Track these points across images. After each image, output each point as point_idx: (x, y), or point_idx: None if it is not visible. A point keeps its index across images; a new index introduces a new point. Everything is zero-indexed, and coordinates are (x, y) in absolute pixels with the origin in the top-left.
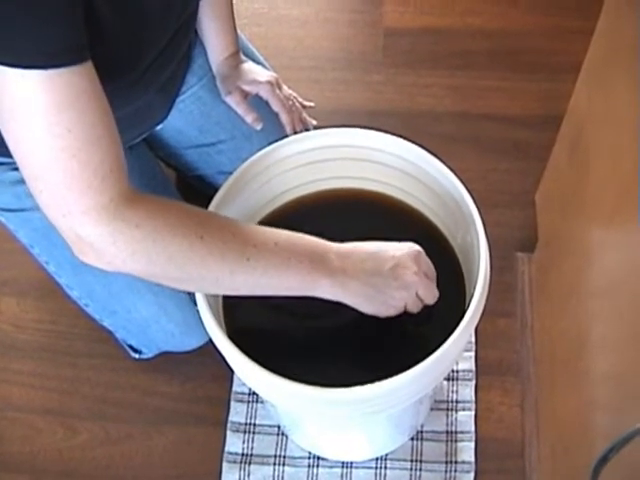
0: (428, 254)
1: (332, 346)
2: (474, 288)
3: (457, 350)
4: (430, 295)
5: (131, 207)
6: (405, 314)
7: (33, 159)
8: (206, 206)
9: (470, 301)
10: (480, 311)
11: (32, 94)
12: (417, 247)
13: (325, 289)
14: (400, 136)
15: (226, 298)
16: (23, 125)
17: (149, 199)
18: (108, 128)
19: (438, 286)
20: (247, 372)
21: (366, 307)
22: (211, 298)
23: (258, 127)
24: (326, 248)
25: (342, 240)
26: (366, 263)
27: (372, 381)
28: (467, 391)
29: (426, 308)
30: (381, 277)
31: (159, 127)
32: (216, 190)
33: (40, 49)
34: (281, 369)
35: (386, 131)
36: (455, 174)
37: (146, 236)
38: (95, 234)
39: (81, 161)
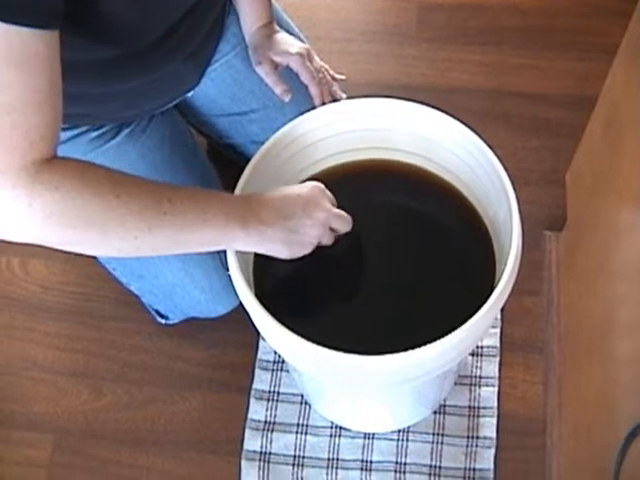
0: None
1: (361, 315)
2: (505, 264)
3: (484, 325)
4: (344, 224)
5: (50, 170)
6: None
7: None
8: (238, 176)
9: (500, 276)
10: (510, 287)
11: None
12: (316, 183)
13: (243, 240)
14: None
15: (257, 263)
16: None
17: (67, 162)
18: (52, 98)
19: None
20: (275, 335)
21: (283, 252)
22: (242, 262)
23: (287, 99)
24: (239, 199)
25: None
26: (280, 209)
27: (398, 352)
28: (491, 367)
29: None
30: (295, 218)
31: (190, 94)
32: (247, 160)
33: (7, 2)
34: (309, 335)
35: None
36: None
37: (65, 197)
38: (11, 196)
39: (14, 121)
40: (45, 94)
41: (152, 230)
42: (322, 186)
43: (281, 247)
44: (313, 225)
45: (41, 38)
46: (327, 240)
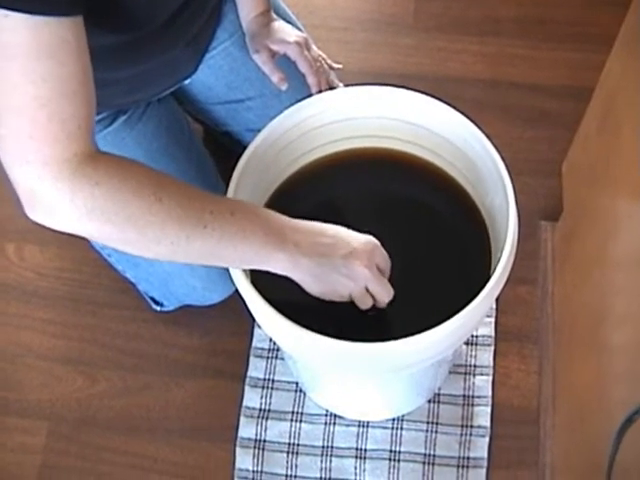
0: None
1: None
2: (500, 252)
3: (480, 314)
4: (382, 293)
5: (93, 165)
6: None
7: (1, 102)
8: (234, 163)
9: (496, 265)
10: (506, 276)
11: (15, 36)
12: (375, 241)
13: (277, 263)
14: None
15: None
16: None
17: (110, 158)
18: (85, 86)
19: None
20: (271, 323)
21: (312, 287)
22: None
23: (283, 87)
24: (282, 222)
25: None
26: (320, 244)
27: (393, 339)
28: (485, 356)
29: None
30: (331, 261)
31: (187, 82)
32: (244, 147)
33: None
34: (304, 322)
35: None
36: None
37: (105, 194)
38: (53, 188)
39: (51, 112)
40: (77, 84)
41: (190, 240)
42: (377, 243)
43: (310, 281)
44: (348, 276)
45: (67, 26)
46: (361, 301)
